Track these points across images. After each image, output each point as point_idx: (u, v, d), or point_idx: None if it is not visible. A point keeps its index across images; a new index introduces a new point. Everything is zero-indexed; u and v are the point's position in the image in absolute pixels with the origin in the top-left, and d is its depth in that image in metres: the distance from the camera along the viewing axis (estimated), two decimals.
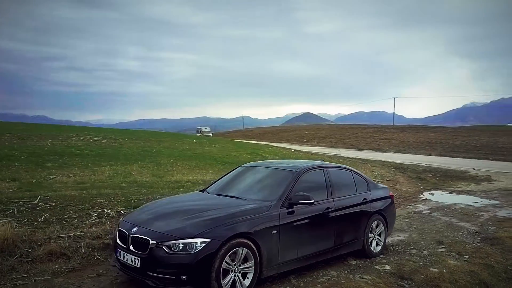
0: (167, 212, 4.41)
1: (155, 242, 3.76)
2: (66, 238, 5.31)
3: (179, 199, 5.28)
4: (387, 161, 22.63)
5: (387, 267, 5.31)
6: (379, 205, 5.99)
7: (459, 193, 13.19)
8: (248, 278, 4.09)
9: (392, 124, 79.10)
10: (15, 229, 5.07)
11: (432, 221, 8.52)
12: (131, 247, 3.91)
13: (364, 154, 29.09)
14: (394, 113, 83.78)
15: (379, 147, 43.21)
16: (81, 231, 5.57)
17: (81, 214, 6.44)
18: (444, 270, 5.23)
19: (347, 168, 6.12)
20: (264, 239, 4.21)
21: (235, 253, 3.98)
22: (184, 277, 3.66)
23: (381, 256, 5.85)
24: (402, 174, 17.58)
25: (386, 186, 7.08)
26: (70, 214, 6.39)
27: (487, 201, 11.44)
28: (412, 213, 9.62)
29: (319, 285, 4.57)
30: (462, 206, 10.51)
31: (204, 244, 3.73)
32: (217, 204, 4.61)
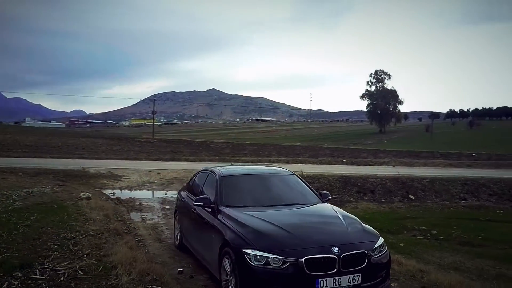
0: (309, 225, 4.35)
1: (366, 251, 3.86)
2: None
3: (269, 214, 4.45)
4: None
5: None
6: None
7: (129, 188, 13.43)
8: None
9: None
10: None
11: None
12: (342, 269, 3.72)
13: None
14: None
15: None
16: None
17: None
18: None
19: None
20: None
21: None
22: (384, 274, 4.03)
23: None
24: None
25: None
26: None
27: (169, 192, 12.68)
28: (161, 211, 9.92)
29: None
30: (170, 198, 11.37)
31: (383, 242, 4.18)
32: (310, 211, 4.84)
